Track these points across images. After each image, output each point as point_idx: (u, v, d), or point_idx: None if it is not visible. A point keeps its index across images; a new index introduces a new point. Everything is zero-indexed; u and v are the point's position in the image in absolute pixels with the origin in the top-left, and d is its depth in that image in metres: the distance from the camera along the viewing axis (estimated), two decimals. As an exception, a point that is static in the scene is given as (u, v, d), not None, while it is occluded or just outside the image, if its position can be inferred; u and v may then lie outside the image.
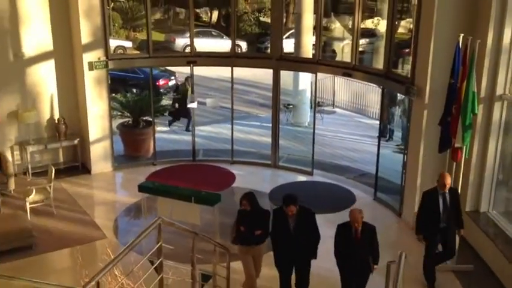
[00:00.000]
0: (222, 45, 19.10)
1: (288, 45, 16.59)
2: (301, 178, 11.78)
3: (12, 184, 10.35)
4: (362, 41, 19.73)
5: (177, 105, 14.64)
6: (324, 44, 22.27)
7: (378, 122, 12.58)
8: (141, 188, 8.67)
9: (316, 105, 12.79)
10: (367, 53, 18.25)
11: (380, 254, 6.80)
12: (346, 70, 10.66)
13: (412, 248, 8.91)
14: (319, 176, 11.74)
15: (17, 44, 10.66)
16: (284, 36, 18.90)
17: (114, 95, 13.16)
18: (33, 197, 9.49)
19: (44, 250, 8.55)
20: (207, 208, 8.56)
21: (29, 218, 9.18)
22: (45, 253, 8.50)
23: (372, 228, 6.82)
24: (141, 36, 22.32)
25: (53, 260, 8.51)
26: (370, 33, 20.19)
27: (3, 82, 10.69)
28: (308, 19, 14.58)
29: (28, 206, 9.38)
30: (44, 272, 7.98)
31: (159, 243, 4.59)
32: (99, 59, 10.88)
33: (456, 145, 7.81)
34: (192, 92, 12.03)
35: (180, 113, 14.49)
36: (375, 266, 6.89)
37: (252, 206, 6.84)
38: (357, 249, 6.74)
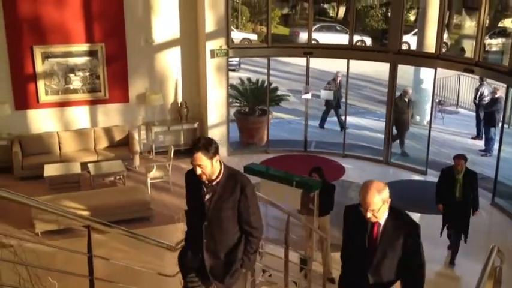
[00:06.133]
0: (346, 40, 19.04)
1: (413, 43, 16.19)
2: (414, 177, 11.46)
3: (137, 160, 11.30)
4: (495, 41, 18.54)
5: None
6: (454, 42, 21.22)
7: (506, 126, 11.89)
8: (246, 170, 9.00)
9: (437, 103, 12.34)
10: (499, 53, 17.12)
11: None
12: (467, 66, 10.14)
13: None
14: (433, 177, 11.31)
15: (148, 31, 11.53)
16: (411, 33, 18.51)
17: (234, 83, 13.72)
18: (154, 173, 10.28)
19: (160, 222, 9.17)
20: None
21: (149, 192, 9.95)
22: (161, 225, 9.07)
23: (408, 229, 3.69)
24: (267, 29, 22.91)
25: (167, 232, 9.03)
26: (507, 33, 18.91)
27: (135, 66, 11.63)
28: (433, 14, 14.02)
29: (149, 181, 10.18)
30: (158, 242, 8.62)
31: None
32: (220, 47, 11.42)
33: None
34: (307, 83, 12.19)
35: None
36: None
37: (321, 179, 7.37)
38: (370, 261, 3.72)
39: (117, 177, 10.39)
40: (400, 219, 3.68)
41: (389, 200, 3.57)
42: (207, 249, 3.77)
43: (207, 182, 3.71)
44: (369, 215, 3.52)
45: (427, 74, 14.21)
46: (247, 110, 13.42)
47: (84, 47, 11.15)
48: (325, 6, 29.14)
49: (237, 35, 20.75)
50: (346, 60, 11.79)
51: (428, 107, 14.70)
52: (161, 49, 11.73)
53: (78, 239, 8.09)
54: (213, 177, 3.69)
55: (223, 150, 12.18)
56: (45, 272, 6.03)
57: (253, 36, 23.04)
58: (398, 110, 12.30)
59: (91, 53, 11.21)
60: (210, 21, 11.28)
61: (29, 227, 8.45)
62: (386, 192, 3.53)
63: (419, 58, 11.55)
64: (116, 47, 11.31)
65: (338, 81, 14.42)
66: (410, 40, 17.84)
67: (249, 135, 13.04)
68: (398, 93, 12.32)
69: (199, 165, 3.60)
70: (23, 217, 8.54)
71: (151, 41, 11.55)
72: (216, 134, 12.05)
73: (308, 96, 12.30)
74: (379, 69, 15.66)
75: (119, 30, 11.24)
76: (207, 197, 3.73)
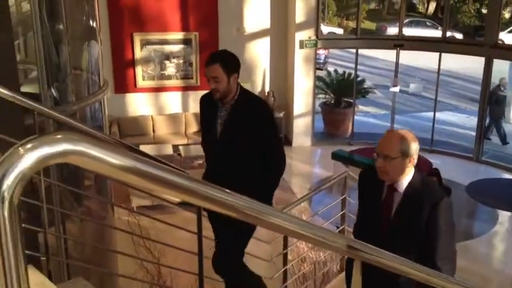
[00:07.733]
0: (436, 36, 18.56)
1: (508, 40, 15.52)
2: (506, 175, 11.04)
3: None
4: None
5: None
6: None
7: None
8: (334, 155, 9.07)
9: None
10: None
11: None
12: None
13: None
14: (527, 177, 10.87)
15: (239, 21, 11.84)
16: (506, 31, 17.68)
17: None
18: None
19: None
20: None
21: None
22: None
23: (434, 200, 2.63)
24: (353, 24, 22.74)
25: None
26: None
27: (226, 55, 11.96)
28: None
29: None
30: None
31: (343, 196, 4.93)
32: (309, 38, 11.53)
33: None
34: (396, 76, 12.03)
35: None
36: None
37: None
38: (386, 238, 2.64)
39: (206, 161, 10.78)
40: (427, 189, 2.70)
41: (414, 159, 2.62)
42: (220, 178, 2.74)
43: (221, 104, 3.39)
44: (378, 163, 2.63)
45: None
46: (333, 101, 13.47)
47: (179, 35, 11.66)
48: (415, 1, 28.47)
49: (323, 29, 20.73)
50: (435, 56, 11.50)
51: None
52: (251, 39, 12.02)
53: (169, 215, 8.55)
54: (228, 99, 3.36)
55: (307, 140, 12.33)
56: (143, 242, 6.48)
57: (339, 31, 22.93)
58: None
59: (185, 41, 11.70)
60: (300, 12, 11.41)
61: (126, 201, 9.02)
62: (412, 146, 2.60)
63: (517, 52, 11.08)
64: (209, 36, 11.71)
65: (506, 87, 12.77)
66: (505, 38, 17.07)
67: (333, 127, 13.08)
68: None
69: (214, 78, 3.27)
70: (121, 192, 9.11)
71: (243, 30, 11.85)
72: (301, 123, 12.22)
73: (396, 89, 12.14)
74: (466, 66, 15.16)
75: (212, 19, 11.64)
76: (220, 120, 3.43)
